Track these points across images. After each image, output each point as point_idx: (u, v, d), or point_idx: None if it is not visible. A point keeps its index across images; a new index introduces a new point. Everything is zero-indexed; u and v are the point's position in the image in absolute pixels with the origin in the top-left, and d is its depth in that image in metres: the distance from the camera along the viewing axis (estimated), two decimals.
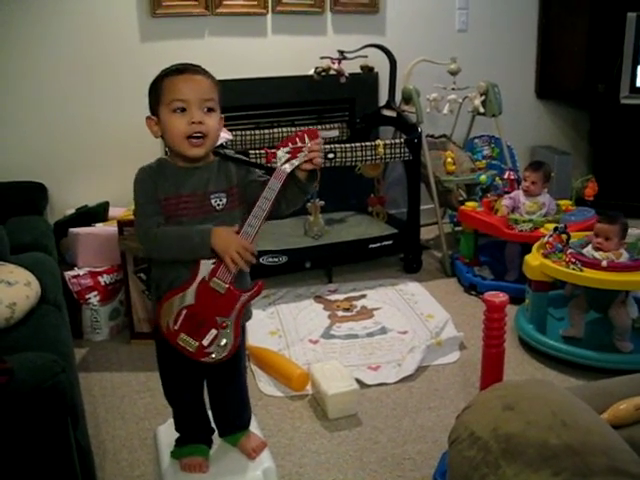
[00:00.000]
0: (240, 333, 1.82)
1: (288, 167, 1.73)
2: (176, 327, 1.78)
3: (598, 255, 2.72)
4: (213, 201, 1.78)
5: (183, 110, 1.73)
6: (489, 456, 1.15)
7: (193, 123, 1.73)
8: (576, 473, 1.07)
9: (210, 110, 1.77)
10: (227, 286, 1.76)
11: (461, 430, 1.25)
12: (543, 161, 3.60)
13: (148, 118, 1.80)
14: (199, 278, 1.77)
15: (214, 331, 1.78)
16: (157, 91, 1.76)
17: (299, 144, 1.72)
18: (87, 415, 2.24)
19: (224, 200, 1.79)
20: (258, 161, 3.17)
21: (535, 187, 3.37)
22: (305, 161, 1.74)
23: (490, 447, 1.17)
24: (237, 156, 1.87)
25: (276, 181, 1.73)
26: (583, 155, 5.07)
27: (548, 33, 4.75)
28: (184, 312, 1.77)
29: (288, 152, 1.72)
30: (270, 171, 1.78)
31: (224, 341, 1.79)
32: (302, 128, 1.78)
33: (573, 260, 2.71)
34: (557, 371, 2.76)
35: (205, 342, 1.79)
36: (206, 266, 1.76)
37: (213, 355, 1.80)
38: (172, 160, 1.81)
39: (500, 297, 2.01)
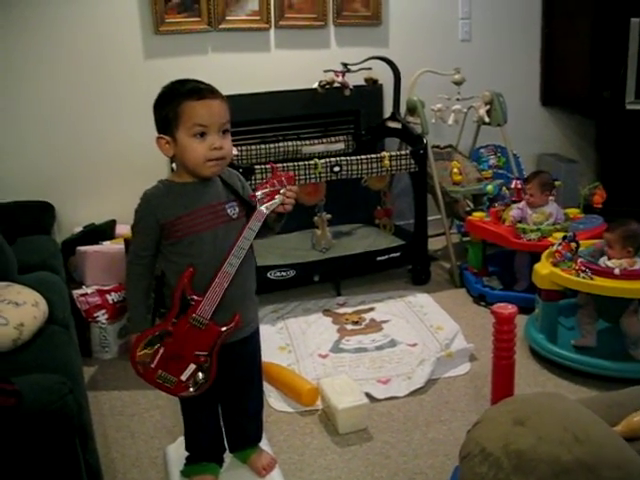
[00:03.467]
0: (217, 364, 1.83)
1: (265, 209, 1.80)
2: (153, 365, 1.80)
3: (611, 263, 2.69)
4: (229, 210, 1.84)
5: (202, 134, 1.76)
6: (500, 473, 1.14)
7: (214, 149, 1.77)
8: None
9: (226, 132, 1.80)
10: (207, 322, 1.79)
11: (472, 446, 1.24)
12: (541, 170, 3.55)
13: (160, 138, 1.81)
14: (177, 314, 1.79)
15: (193, 366, 1.81)
16: (173, 113, 1.77)
17: (277, 187, 1.79)
18: (96, 434, 2.23)
19: (237, 209, 1.86)
20: (264, 176, 3.18)
21: (535, 198, 3.33)
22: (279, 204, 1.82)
23: (501, 463, 1.15)
24: (229, 184, 1.89)
25: (256, 222, 1.81)
26: (590, 162, 5.04)
27: (551, 41, 4.74)
28: (161, 350, 1.80)
29: (266, 194, 1.79)
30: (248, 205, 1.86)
31: (200, 375, 1.82)
32: (280, 172, 1.85)
33: (583, 268, 2.69)
34: (569, 381, 2.73)
35: (184, 377, 1.81)
36: (185, 302, 1.79)
37: (191, 389, 1.83)
38: (179, 178, 1.83)
39: (509, 309, 2.00)
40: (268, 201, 1.79)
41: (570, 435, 1.14)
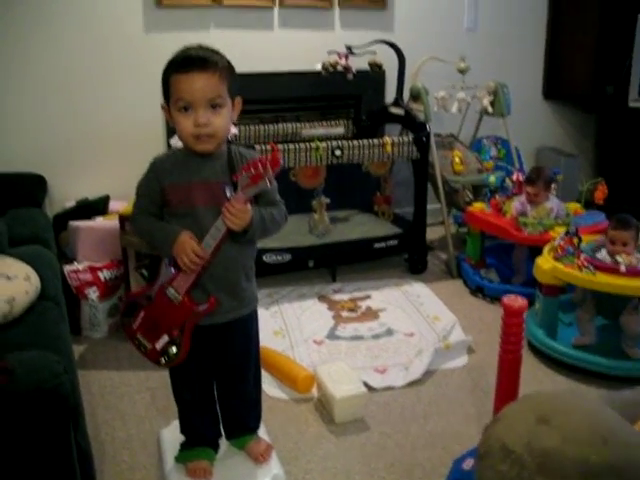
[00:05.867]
0: (190, 343, 1.80)
1: (244, 194, 1.70)
2: (134, 326, 1.84)
3: (619, 258, 2.65)
4: (227, 192, 1.75)
5: (187, 108, 1.70)
6: (524, 472, 1.09)
7: (199, 125, 1.69)
8: None
9: (217, 106, 1.71)
10: (181, 297, 1.77)
11: (492, 442, 1.19)
12: (541, 167, 3.45)
13: (162, 106, 1.78)
14: (159, 283, 1.80)
15: (166, 337, 1.81)
16: (165, 85, 1.73)
17: (260, 171, 1.67)
18: (86, 415, 2.16)
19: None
20: (264, 155, 3.11)
21: (539, 197, 3.30)
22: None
23: (524, 462, 1.10)
24: (234, 165, 1.80)
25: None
26: (589, 157, 5.00)
27: (557, 33, 4.69)
28: (142, 313, 1.82)
29: (249, 177, 1.69)
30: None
31: (174, 349, 1.81)
32: (266, 155, 1.71)
33: (586, 264, 2.65)
34: (567, 377, 2.68)
35: (157, 346, 1.82)
36: (166, 273, 1.79)
37: (163, 360, 1.83)
38: (186, 149, 1.78)
39: (519, 301, 1.95)
40: (249, 185, 1.69)
41: (598, 436, 1.09)
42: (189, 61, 1.69)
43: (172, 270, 1.78)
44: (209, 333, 1.84)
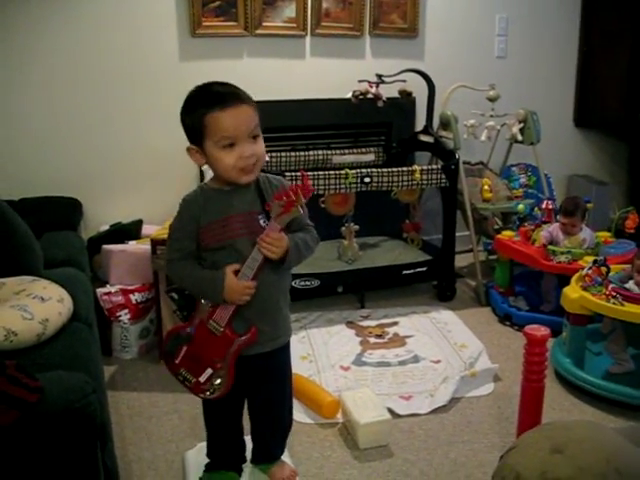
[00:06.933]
0: (234, 373, 1.82)
1: (277, 223, 1.72)
2: (177, 361, 1.85)
3: None
4: (262, 221, 1.77)
5: (231, 144, 1.70)
6: None
7: (246, 157, 1.71)
8: None
9: (257, 136, 1.74)
10: (222, 329, 1.79)
11: (506, 472, 1.20)
12: (576, 197, 3.41)
13: (189, 148, 1.77)
14: (198, 318, 1.82)
15: (210, 370, 1.82)
16: (199, 125, 1.71)
17: (292, 198, 1.69)
18: (114, 435, 2.21)
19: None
20: (293, 183, 3.15)
21: (574, 229, 3.28)
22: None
23: None
24: (264, 194, 1.82)
25: (270, 234, 1.74)
26: (621, 185, 4.96)
27: (588, 61, 4.69)
28: (184, 348, 1.83)
29: (282, 205, 1.70)
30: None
31: (218, 380, 1.83)
32: (297, 183, 1.73)
33: (614, 294, 2.63)
34: (595, 407, 2.67)
35: (202, 379, 1.83)
36: (205, 307, 1.81)
37: (208, 392, 1.84)
38: (216, 184, 1.80)
39: (541, 331, 1.96)
40: (282, 213, 1.71)
41: (612, 468, 1.10)
42: (223, 97, 1.68)
43: (209, 304, 1.81)
44: (250, 363, 1.85)
